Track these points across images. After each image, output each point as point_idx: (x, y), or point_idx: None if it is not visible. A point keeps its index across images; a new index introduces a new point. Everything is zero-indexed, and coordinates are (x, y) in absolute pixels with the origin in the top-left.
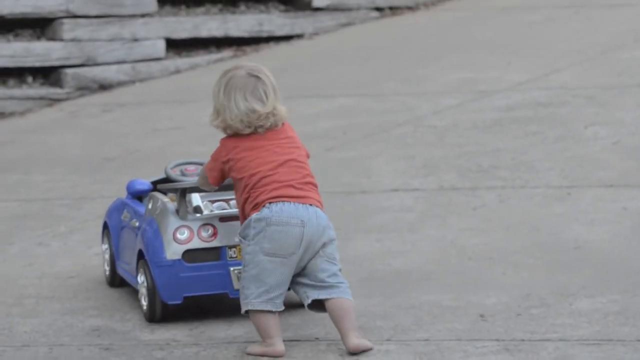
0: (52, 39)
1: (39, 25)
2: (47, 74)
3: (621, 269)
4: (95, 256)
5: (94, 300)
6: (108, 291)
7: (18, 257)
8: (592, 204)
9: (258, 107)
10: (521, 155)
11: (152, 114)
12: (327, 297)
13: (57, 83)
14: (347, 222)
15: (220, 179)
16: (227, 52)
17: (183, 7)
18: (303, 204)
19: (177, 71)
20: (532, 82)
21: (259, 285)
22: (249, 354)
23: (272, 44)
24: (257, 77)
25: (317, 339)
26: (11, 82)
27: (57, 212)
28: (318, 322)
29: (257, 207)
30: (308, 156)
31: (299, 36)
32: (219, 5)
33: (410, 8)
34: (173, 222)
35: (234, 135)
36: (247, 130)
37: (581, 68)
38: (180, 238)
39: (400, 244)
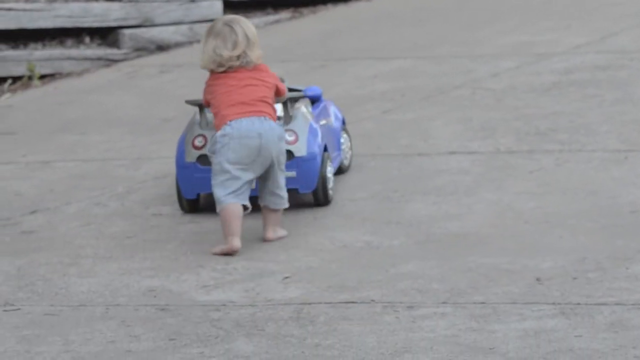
0: None
1: None
2: (105, 35)
3: None
4: (153, 216)
5: (151, 261)
6: (165, 252)
7: (76, 217)
8: None
9: (225, 52)
10: (579, 119)
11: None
12: (277, 207)
13: (115, 44)
14: (405, 184)
15: (207, 103)
16: (284, 14)
17: None
18: (258, 117)
19: None
20: (590, 45)
21: (226, 188)
22: (213, 253)
23: (329, 6)
24: (231, 27)
25: (372, 300)
26: (69, 42)
27: (115, 173)
28: (375, 285)
29: (220, 124)
30: (280, 91)
31: None
32: None
33: None
34: (194, 131)
35: (212, 72)
36: (220, 69)
37: (639, 31)
38: (197, 144)
39: (457, 207)
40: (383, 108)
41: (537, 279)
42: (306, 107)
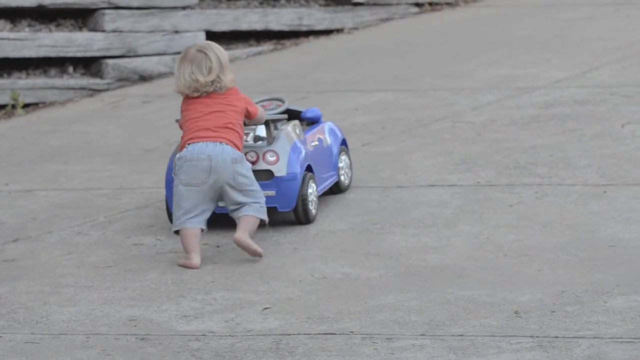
0: (94, 29)
1: (81, 16)
2: (88, 65)
3: None
4: (134, 246)
5: (131, 290)
6: (145, 282)
7: (57, 246)
8: (628, 202)
9: (200, 77)
10: (558, 153)
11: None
12: (245, 214)
13: (98, 73)
14: (384, 216)
15: (180, 126)
16: (266, 46)
17: (224, 0)
18: (213, 142)
19: None
20: (571, 80)
21: (180, 209)
22: (178, 264)
23: (311, 38)
24: (205, 53)
25: (351, 332)
26: (52, 71)
27: (97, 202)
28: (353, 316)
29: (182, 147)
30: (251, 114)
31: (339, 31)
32: None
33: (449, 4)
34: None
35: (186, 97)
36: (195, 94)
37: (620, 66)
38: None
39: (436, 239)
40: (363, 140)
41: (516, 312)
42: (294, 127)
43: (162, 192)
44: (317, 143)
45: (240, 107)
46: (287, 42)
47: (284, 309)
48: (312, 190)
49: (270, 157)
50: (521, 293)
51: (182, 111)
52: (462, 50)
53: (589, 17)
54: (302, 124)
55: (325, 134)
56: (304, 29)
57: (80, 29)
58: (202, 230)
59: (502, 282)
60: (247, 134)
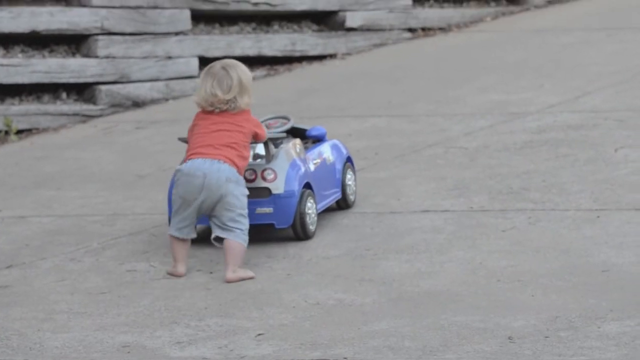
0: (87, 55)
1: (74, 42)
2: (81, 91)
3: None
4: (127, 272)
5: (125, 317)
6: (139, 308)
7: (50, 272)
8: (621, 227)
9: (219, 93)
10: (551, 178)
11: (184, 132)
12: (224, 236)
13: (91, 99)
14: (378, 242)
15: (189, 138)
16: (260, 71)
17: (217, 25)
18: (212, 159)
19: None
20: (564, 105)
21: (174, 218)
22: (167, 273)
23: (304, 64)
24: (227, 71)
25: (345, 358)
26: (46, 97)
27: (90, 229)
28: (347, 342)
29: (185, 160)
30: (260, 137)
31: (332, 56)
32: (253, 24)
33: (442, 29)
34: None
35: (202, 110)
36: (210, 108)
37: (613, 91)
38: None
39: (430, 265)
40: (357, 166)
41: (509, 338)
42: (294, 146)
43: (156, 217)
44: (319, 161)
45: (247, 129)
46: (280, 68)
47: (277, 335)
48: (311, 206)
49: (268, 175)
50: (515, 319)
51: (193, 124)
52: (455, 76)
53: (582, 42)
54: (307, 142)
55: (328, 152)
56: (297, 54)
57: (74, 54)
58: (191, 240)
59: (495, 307)
60: None
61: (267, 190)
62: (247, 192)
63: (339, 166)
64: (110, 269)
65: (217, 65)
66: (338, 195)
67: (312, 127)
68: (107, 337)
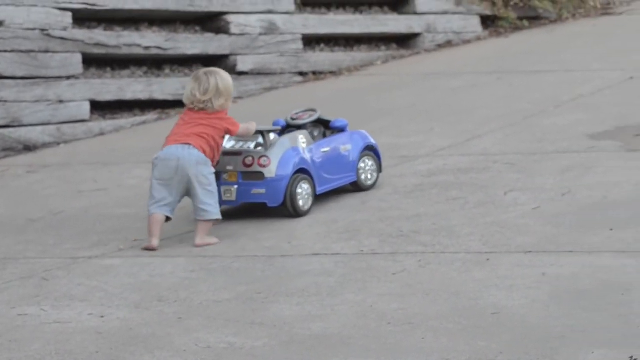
0: None
1: None
2: None
3: (539, 334)
4: (19, 317)
5: None
6: (29, 352)
7: None
8: (511, 269)
9: (197, 94)
10: (442, 221)
11: (76, 176)
12: (201, 219)
13: None
14: (269, 285)
15: None
16: (151, 115)
17: (108, 69)
18: (182, 144)
19: (102, 133)
20: (454, 148)
21: (151, 199)
22: (141, 249)
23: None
24: (207, 77)
25: None
26: None
27: None
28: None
29: (162, 147)
30: (231, 132)
31: None
32: (144, 68)
33: (333, 73)
34: None
35: (186, 108)
36: (191, 106)
37: (503, 134)
38: None
39: (321, 308)
40: (250, 209)
41: None
42: (293, 137)
43: (47, 261)
44: (328, 149)
45: (219, 125)
46: (172, 112)
47: None
48: (303, 189)
49: (264, 162)
50: None
51: (179, 118)
52: (345, 119)
53: (472, 86)
54: (332, 132)
55: (344, 141)
56: None
57: None
58: (169, 219)
59: (386, 350)
60: (250, 142)
61: (261, 174)
62: (213, 171)
63: (355, 153)
64: (1, 313)
65: (201, 71)
66: (352, 179)
67: (336, 119)
68: None
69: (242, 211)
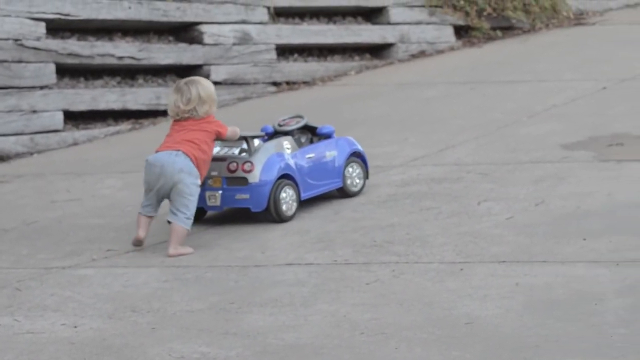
0: None
1: None
2: None
3: (513, 344)
4: None
5: None
6: None
7: None
8: (485, 279)
9: (180, 105)
10: (415, 231)
11: (49, 186)
12: (171, 220)
13: None
14: (242, 295)
15: None
16: (124, 125)
17: (82, 79)
18: (170, 150)
19: (75, 143)
20: (428, 158)
21: (143, 201)
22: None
23: (169, 117)
24: (188, 86)
25: None
26: None
27: None
28: None
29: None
30: (221, 135)
31: None
32: (118, 78)
33: (306, 83)
34: None
35: (173, 119)
36: (177, 117)
37: (476, 144)
38: None
39: (294, 318)
40: (222, 219)
41: None
42: (278, 143)
43: (20, 272)
44: (313, 155)
45: (209, 128)
46: (145, 122)
47: None
48: (287, 194)
49: (247, 167)
50: None
51: (169, 129)
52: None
53: (446, 96)
54: (319, 138)
55: (330, 147)
56: (162, 107)
57: None
58: (152, 217)
59: None
60: (235, 148)
61: (245, 179)
62: (198, 182)
63: (341, 159)
64: None
65: (182, 82)
66: (337, 184)
67: (322, 125)
68: None
69: (216, 220)
